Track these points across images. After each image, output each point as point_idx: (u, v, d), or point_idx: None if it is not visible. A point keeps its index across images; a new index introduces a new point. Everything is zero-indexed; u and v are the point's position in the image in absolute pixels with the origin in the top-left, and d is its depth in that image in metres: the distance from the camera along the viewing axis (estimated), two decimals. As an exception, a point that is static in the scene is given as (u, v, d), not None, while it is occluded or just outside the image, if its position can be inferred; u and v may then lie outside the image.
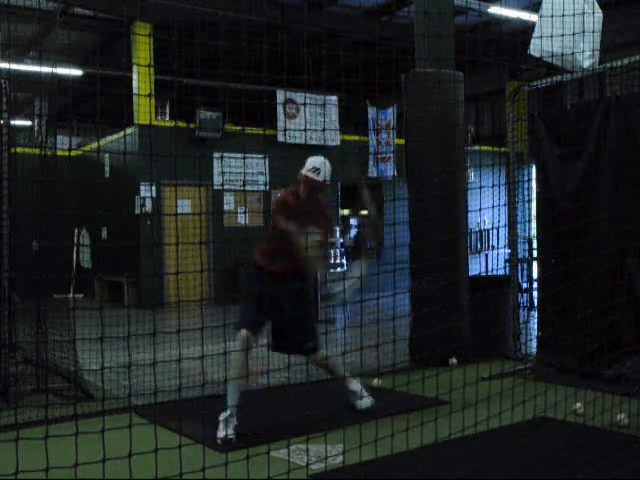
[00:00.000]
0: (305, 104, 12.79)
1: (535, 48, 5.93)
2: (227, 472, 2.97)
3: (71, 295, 9.96)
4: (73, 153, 14.88)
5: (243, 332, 4.33)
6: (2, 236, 5.23)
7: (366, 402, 4.72)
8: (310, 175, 4.44)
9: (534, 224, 6.76)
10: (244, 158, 12.82)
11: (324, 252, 4.49)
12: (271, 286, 4.40)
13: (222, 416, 4.22)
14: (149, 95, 9.30)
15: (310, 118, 13.42)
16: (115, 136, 13.44)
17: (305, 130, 12.51)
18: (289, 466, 3.42)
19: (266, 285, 4.44)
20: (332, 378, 4.95)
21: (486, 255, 13.96)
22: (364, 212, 4.69)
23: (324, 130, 13.19)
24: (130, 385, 4.49)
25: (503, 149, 13.69)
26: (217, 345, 3.48)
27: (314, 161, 4.50)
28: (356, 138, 14.79)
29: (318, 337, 4.64)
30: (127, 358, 3.17)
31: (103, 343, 2.95)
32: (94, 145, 15.08)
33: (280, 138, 12.62)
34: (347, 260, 12.29)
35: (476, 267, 12.04)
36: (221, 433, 4.15)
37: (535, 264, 8.99)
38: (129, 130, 12.59)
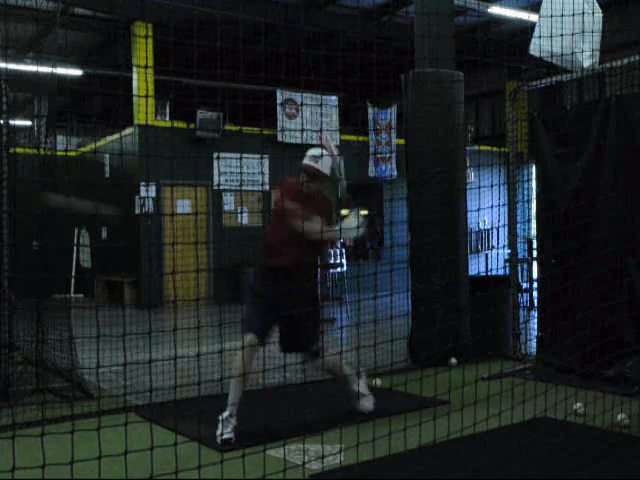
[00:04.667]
0: (305, 104, 12.79)
1: (535, 48, 5.93)
2: (223, 471, 2.96)
3: (71, 295, 9.96)
4: (73, 153, 14.88)
5: (249, 337, 4.28)
6: (2, 236, 5.22)
7: (368, 404, 4.67)
8: (308, 162, 4.58)
9: (534, 224, 6.75)
10: (240, 158, 12.79)
11: (328, 236, 4.43)
12: (277, 283, 4.35)
13: (221, 416, 4.22)
14: (147, 96, 9.27)
15: (310, 118, 13.42)
16: (115, 136, 13.43)
17: (303, 130, 12.50)
18: (285, 465, 3.41)
19: (273, 283, 4.40)
20: (332, 379, 4.92)
21: (486, 255, 13.95)
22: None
23: (325, 130, 13.16)
24: (127, 385, 4.47)
25: (503, 149, 13.72)
26: (215, 345, 3.47)
27: (313, 151, 4.65)
28: (356, 138, 14.78)
29: (320, 341, 4.53)
30: (125, 358, 3.16)
31: (101, 343, 2.95)
32: (94, 145, 15.07)
33: (280, 138, 12.61)
34: (347, 260, 12.27)
35: (476, 267, 12.04)
36: (218, 432, 4.16)
37: (535, 264, 8.98)
38: (129, 130, 12.58)
